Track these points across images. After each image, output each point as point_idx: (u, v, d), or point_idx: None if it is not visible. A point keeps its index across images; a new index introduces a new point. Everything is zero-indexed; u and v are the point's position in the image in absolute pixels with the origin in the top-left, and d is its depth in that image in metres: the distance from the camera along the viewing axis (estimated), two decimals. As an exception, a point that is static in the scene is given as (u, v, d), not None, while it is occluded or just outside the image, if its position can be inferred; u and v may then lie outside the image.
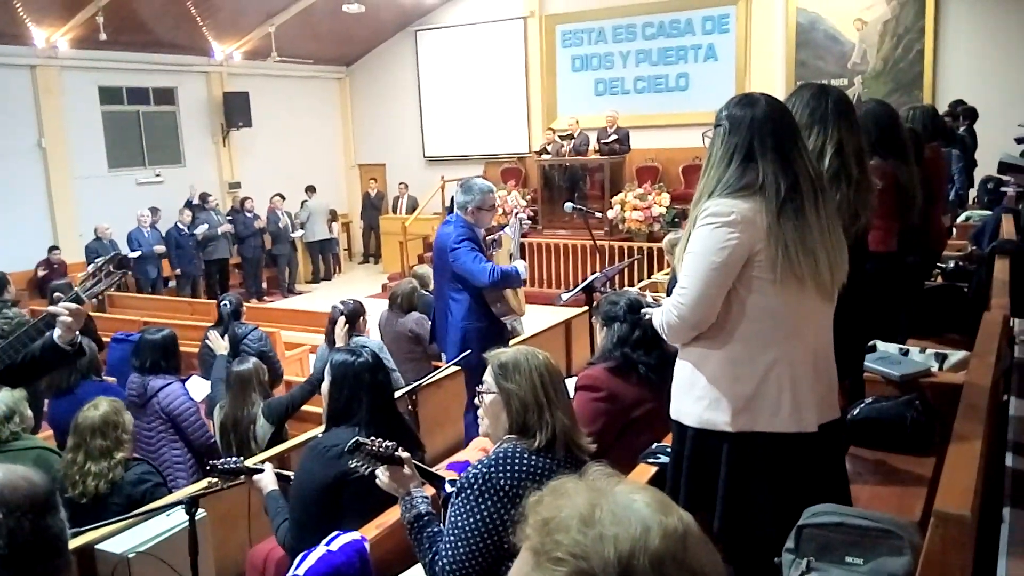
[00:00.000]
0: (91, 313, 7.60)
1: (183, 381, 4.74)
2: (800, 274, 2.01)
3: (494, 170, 13.94)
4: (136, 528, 3.00)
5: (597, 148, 12.11)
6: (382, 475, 2.23)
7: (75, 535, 2.88)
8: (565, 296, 5.06)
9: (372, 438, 2.21)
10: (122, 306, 9.95)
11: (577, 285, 5.12)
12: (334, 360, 2.78)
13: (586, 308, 5.19)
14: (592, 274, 5.40)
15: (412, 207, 14.21)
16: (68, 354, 2.61)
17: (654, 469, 2.61)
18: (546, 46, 13.79)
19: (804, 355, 2.10)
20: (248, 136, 14.04)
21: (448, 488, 2.29)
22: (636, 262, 9.83)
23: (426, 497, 2.23)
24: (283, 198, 13.47)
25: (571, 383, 2.93)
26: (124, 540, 2.95)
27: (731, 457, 2.10)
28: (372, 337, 6.72)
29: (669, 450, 2.65)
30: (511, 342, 5.58)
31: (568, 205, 4.96)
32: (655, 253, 10.45)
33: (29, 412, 3.91)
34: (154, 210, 11.89)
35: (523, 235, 4.79)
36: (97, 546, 2.95)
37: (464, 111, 14.71)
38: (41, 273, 10.68)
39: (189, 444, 4.43)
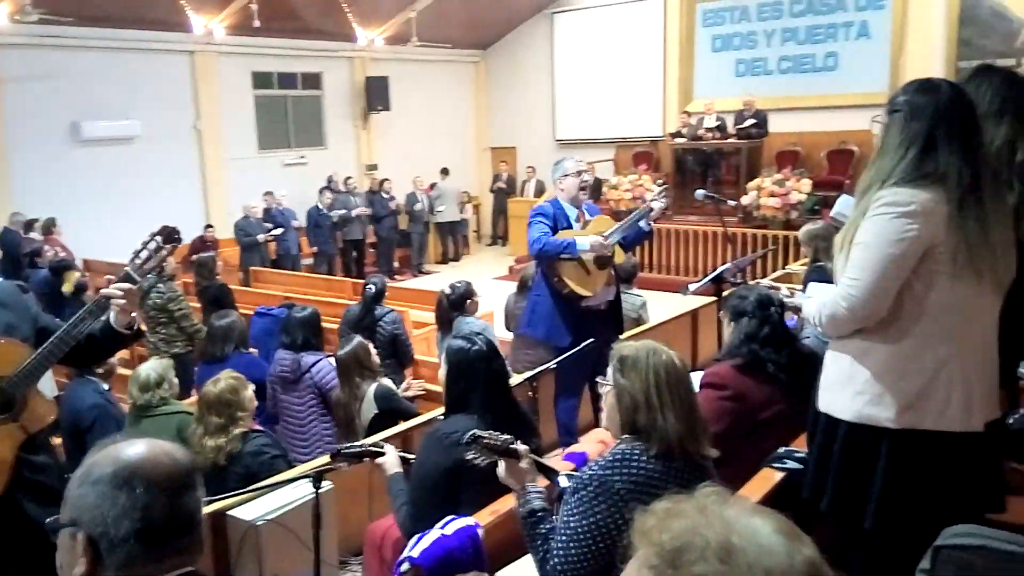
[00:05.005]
0: (233, 286, 8.04)
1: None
2: (979, 268, 1.94)
3: (625, 153, 13.74)
4: (265, 497, 3.14)
5: (733, 132, 11.71)
6: (500, 467, 2.22)
7: (208, 502, 3.06)
8: (693, 287, 4.90)
9: (489, 432, 2.20)
10: (264, 281, 10.48)
11: (706, 275, 4.94)
12: (450, 349, 2.79)
13: (714, 299, 5.02)
14: (722, 264, 5.20)
15: (540, 191, 14.22)
16: (126, 336, 2.53)
17: (780, 475, 2.48)
18: (685, 25, 13.42)
19: (975, 351, 2.02)
20: (386, 119, 14.44)
21: (562, 482, 2.26)
22: (769, 252, 9.46)
23: (541, 492, 2.21)
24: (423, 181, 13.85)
25: (696, 377, 2.83)
26: (253, 508, 3.09)
27: (891, 454, 2.02)
28: (497, 319, 6.81)
29: (798, 455, 2.53)
30: (635, 331, 5.49)
31: (699, 192, 4.79)
32: (791, 242, 10.02)
33: (175, 379, 4.19)
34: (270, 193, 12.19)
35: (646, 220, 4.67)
36: (228, 512, 3.10)
37: (598, 94, 14.55)
38: (196, 250, 11.39)
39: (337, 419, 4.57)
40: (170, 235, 2.51)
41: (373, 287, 5.66)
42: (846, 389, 2.06)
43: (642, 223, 4.66)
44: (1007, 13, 10.73)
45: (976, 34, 10.95)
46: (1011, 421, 2.85)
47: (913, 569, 1.93)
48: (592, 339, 4.00)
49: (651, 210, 4.62)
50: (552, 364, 4.03)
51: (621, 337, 4.59)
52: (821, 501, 2.13)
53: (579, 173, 4.58)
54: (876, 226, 1.94)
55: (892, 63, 11.52)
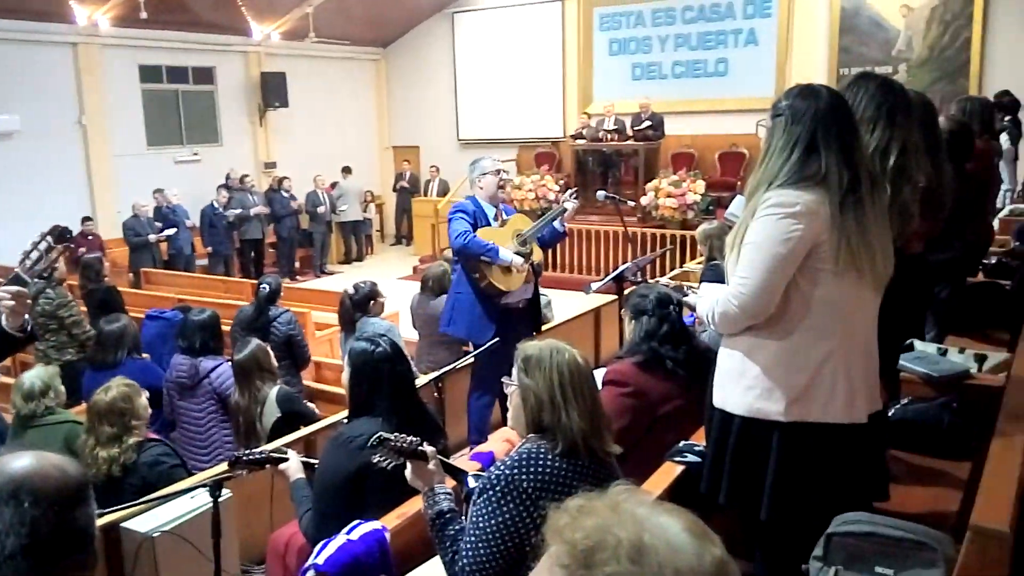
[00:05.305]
0: (122, 288, 7.70)
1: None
2: (860, 265, 2.02)
3: (528, 154, 13.86)
4: (161, 508, 3.04)
5: (631, 134, 11.98)
6: (407, 470, 2.21)
7: (100, 514, 2.92)
8: (595, 286, 5.01)
9: (396, 434, 2.19)
10: (156, 283, 10.08)
11: (608, 273, 5.06)
12: (353, 351, 2.76)
13: (616, 297, 5.14)
14: (623, 263, 5.34)
15: (443, 190, 14.19)
16: (19, 340, 2.43)
17: (680, 468, 2.56)
18: (583, 29, 13.63)
19: (857, 346, 2.10)
20: (284, 117, 14.10)
21: (471, 482, 2.26)
22: (668, 251, 9.74)
23: (449, 493, 2.21)
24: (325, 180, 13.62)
25: (599, 374, 2.89)
26: (149, 519, 2.99)
27: (782, 447, 2.08)
28: (403, 319, 6.76)
29: (697, 448, 2.61)
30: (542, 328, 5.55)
31: (600, 193, 4.91)
32: (688, 241, 10.33)
33: (62, 387, 3.99)
34: (160, 191, 11.72)
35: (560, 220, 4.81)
36: (123, 524, 2.99)
37: (499, 94, 14.61)
38: (80, 249, 10.84)
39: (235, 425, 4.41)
40: (61, 235, 2.42)
41: (267, 287, 5.53)
42: (738, 384, 2.13)
43: (556, 223, 4.75)
44: (884, 23, 11.36)
45: (855, 42, 11.55)
46: (892, 412, 3.03)
47: (808, 556, 2.03)
48: (497, 339, 4.04)
49: (565, 211, 4.72)
50: (458, 364, 4.04)
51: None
52: (719, 494, 2.20)
53: (498, 172, 4.66)
54: (764, 226, 2.02)
55: (778, 69, 12.02)
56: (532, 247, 4.66)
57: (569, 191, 4.94)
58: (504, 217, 4.72)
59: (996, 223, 5.89)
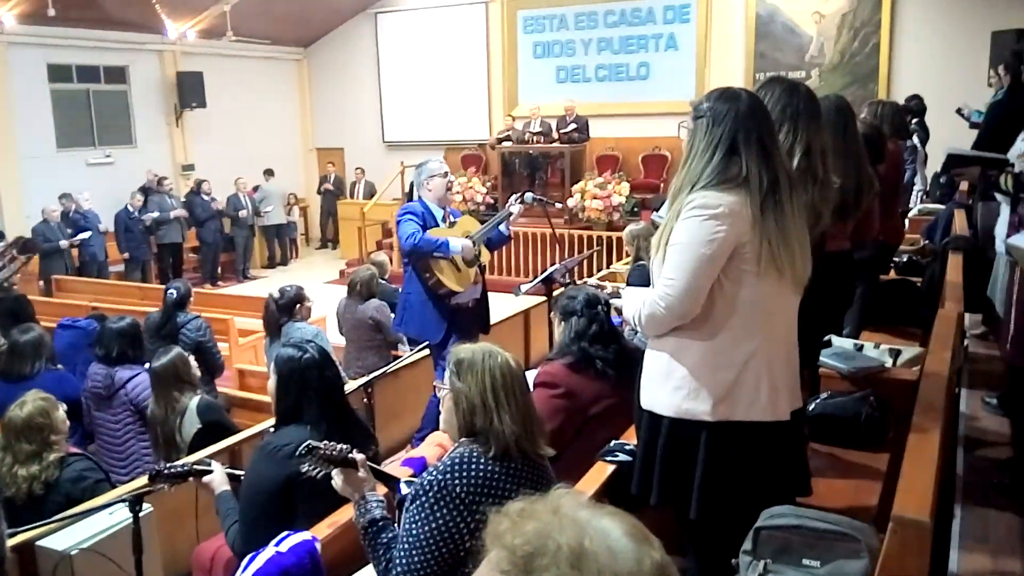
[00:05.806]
0: (32, 296, 7.36)
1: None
2: (780, 266, 2.05)
3: (454, 156, 13.81)
4: (79, 524, 2.91)
5: (557, 136, 12.08)
6: (337, 478, 2.17)
7: (13, 534, 2.78)
8: (524, 288, 5.02)
9: (325, 442, 2.14)
10: (68, 290, 9.66)
11: (537, 275, 5.09)
12: (279, 357, 2.68)
13: (545, 299, 5.16)
14: (552, 265, 5.37)
15: (369, 193, 14.04)
16: None
17: (612, 467, 2.58)
18: (507, 32, 13.67)
19: (778, 345, 2.14)
20: (202, 117, 13.72)
21: (403, 489, 2.23)
22: (595, 252, 9.85)
23: (381, 501, 2.17)
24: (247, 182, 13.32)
25: (530, 375, 2.89)
26: (66, 536, 2.86)
27: (709, 446, 2.10)
28: (330, 324, 6.64)
29: (628, 447, 2.64)
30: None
31: (528, 195, 4.93)
32: (614, 242, 10.46)
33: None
34: (67, 195, 11.19)
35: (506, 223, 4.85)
36: (38, 543, 2.86)
37: (424, 96, 14.53)
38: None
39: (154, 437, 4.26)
40: (25, 245, 2.29)
41: (175, 292, 5.37)
42: (665, 385, 2.14)
43: (502, 227, 4.79)
44: (797, 29, 11.73)
45: (771, 48, 11.90)
46: (811, 407, 3.12)
47: (738, 550, 2.07)
48: (427, 341, 4.02)
49: (511, 214, 4.77)
50: (388, 368, 4.00)
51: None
52: (650, 495, 2.22)
53: (445, 174, 4.70)
54: (689, 228, 2.04)
55: (698, 73, 12.30)
56: (480, 249, 4.70)
57: (515, 195, 4.99)
58: (452, 219, 4.75)
59: (907, 222, 6.14)
